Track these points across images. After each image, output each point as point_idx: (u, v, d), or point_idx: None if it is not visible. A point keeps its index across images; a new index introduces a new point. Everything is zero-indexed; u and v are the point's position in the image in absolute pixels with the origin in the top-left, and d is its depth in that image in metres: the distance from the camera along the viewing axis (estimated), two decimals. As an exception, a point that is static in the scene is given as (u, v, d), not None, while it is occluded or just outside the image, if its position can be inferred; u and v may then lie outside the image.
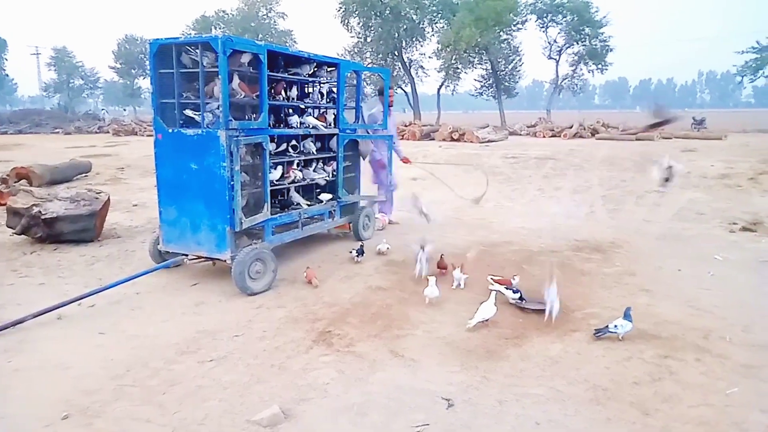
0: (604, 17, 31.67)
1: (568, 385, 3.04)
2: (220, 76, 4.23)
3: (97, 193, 6.45)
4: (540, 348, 3.51)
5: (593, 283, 4.79)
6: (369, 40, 33.87)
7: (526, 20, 32.51)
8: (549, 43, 34.00)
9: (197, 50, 4.41)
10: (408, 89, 34.98)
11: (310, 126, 5.43)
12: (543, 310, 4.06)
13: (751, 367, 3.23)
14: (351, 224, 6.28)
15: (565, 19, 32.37)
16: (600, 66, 33.46)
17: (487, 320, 3.79)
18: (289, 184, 5.30)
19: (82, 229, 6.03)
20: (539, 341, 3.60)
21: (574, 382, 3.07)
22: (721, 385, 3.02)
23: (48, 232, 5.91)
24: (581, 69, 34.44)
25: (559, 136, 21.30)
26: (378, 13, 32.63)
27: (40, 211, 5.83)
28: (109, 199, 6.48)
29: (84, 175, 11.78)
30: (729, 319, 3.96)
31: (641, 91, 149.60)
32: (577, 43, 33.19)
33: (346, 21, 33.33)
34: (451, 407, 2.81)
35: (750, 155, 13.11)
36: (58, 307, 3.98)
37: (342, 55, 33.11)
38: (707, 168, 11.30)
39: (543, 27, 33.34)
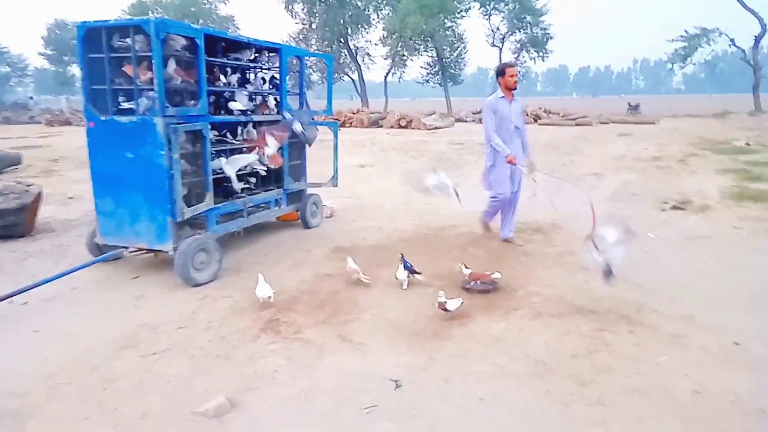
0: (544, 5, 32.48)
1: (511, 362, 3.14)
2: (154, 61, 4.08)
3: (28, 185, 6.11)
4: (484, 327, 3.60)
5: (535, 263, 4.95)
6: (314, 26, 33.39)
7: (469, 8, 32.83)
8: (492, 30, 34.52)
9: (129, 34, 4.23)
10: (355, 77, 34.80)
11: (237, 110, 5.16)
12: (488, 291, 4.19)
13: (679, 336, 3.43)
14: (299, 212, 6.22)
15: (507, 6, 32.93)
16: (541, 54, 34.31)
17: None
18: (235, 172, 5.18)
19: (12, 224, 5.71)
20: (483, 320, 3.70)
21: (516, 358, 3.17)
22: (652, 355, 3.20)
23: (-27, 228, 5.56)
24: (523, 56, 35.20)
25: (504, 122, 21.75)
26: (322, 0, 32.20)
27: (-38, 206, 5.47)
28: (41, 192, 6.15)
29: (14, 167, 11.12)
30: (659, 292, 4.18)
31: (581, 78, 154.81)
32: (519, 31, 33.88)
33: (290, 7, 32.73)
34: (399, 388, 2.85)
35: (680, 139, 13.83)
36: (-14, 307, 3.77)
37: (287, 41, 32.50)
38: (641, 151, 11.83)
39: (486, 15, 33.79)
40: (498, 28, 34.35)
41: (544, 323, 3.63)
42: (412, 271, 4.32)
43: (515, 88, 5.43)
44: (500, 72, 5.47)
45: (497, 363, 3.12)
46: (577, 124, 19.53)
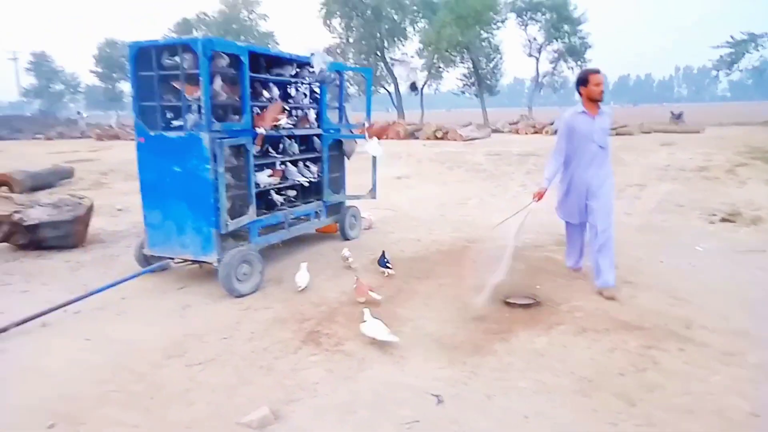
0: (582, 14, 32.05)
1: (554, 378, 3.08)
2: (201, 78, 4.21)
3: (80, 198, 6.38)
4: (526, 342, 3.55)
5: (577, 276, 4.85)
6: (351, 40, 33.85)
7: (506, 18, 32.68)
8: (529, 40, 34.21)
9: (177, 53, 4.39)
10: (391, 89, 35.02)
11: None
12: (529, 305, 4.13)
13: (731, 354, 3.30)
14: (338, 224, 6.28)
15: (544, 16, 32.62)
16: (579, 62, 33.77)
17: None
18: (276, 185, 5.29)
19: (65, 235, 5.96)
20: (525, 335, 3.64)
21: (560, 375, 3.11)
22: (703, 373, 3.09)
23: (30, 239, 5.83)
24: (561, 66, 34.76)
25: (541, 133, 21.47)
26: (359, 14, 32.63)
27: (21, 218, 5.75)
28: (92, 204, 6.40)
29: (67, 180, 11.63)
30: (709, 307, 4.04)
31: (620, 87, 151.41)
32: (557, 41, 33.46)
33: (328, 21, 33.29)
34: (440, 403, 2.83)
35: (727, 147, 13.35)
36: (43, 315, 3.94)
37: (324, 55, 32.98)
38: (686, 160, 11.48)
39: (523, 25, 33.56)
40: (535, 38, 34.03)
41: (588, 339, 3.55)
42: (386, 266, 4.93)
43: (601, 100, 4.48)
44: (582, 80, 4.51)
45: (540, 379, 3.06)
46: (617, 134, 19.08)
